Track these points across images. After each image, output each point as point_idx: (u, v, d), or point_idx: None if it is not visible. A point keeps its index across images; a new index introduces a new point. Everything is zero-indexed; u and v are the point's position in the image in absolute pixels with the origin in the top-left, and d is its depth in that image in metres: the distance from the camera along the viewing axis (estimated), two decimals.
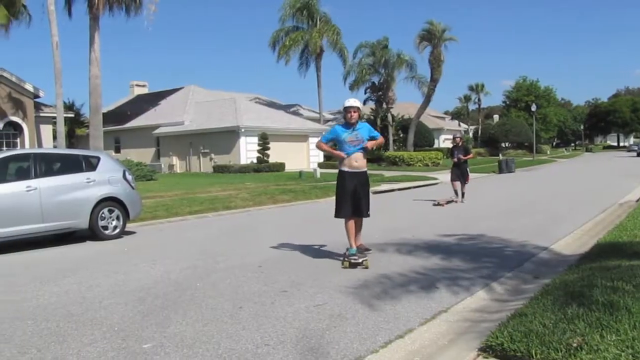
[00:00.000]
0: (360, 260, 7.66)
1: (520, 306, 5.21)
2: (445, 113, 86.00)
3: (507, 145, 71.62)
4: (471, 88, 79.09)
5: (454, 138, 18.08)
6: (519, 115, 79.09)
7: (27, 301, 6.37)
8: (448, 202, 16.60)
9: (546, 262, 8.07)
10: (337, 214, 7.97)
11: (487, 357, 4.18)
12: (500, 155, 54.76)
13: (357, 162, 7.78)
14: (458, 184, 17.16)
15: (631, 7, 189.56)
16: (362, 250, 7.98)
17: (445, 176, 30.04)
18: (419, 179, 27.11)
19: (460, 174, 17.22)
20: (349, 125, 7.80)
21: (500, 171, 34.34)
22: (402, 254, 8.62)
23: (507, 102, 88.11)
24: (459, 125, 75.37)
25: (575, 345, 3.93)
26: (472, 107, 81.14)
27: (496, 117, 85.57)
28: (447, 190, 23.12)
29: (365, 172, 7.99)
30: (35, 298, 6.50)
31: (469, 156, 17.68)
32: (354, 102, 7.78)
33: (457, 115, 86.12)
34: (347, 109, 7.77)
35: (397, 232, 10.81)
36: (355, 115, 7.74)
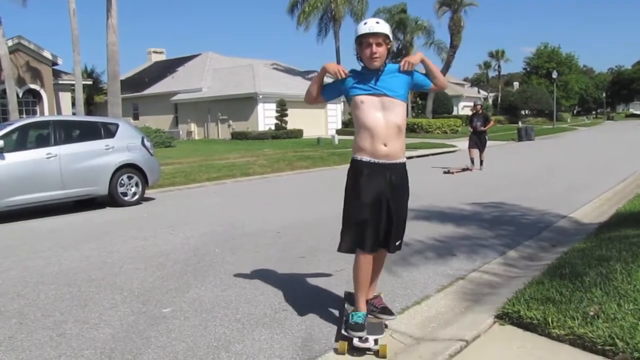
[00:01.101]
0: (369, 343, 3.88)
1: (537, 274, 5.20)
2: (465, 80, 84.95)
3: (527, 112, 70.81)
4: (491, 55, 78.04)
5: (475, 105, 17.87)
6: (539, 83, 78.01)
7: (49, 266, 6.49)
8: (463, 170, 16.57)
9: (564, 230, 8.02)
10: (341, 245, 4.26)
11: (503, 324, 4.19)
12: (519, 122, 54.15)
13: (386, 145, 4.08)
14: (476, 151, 17.05)
15: None
16: (377, 309, 4.34)
17: (464, 144, 29.88)
18: (438, 146, 26.95)
19: (479, 141, 17.08)
20: (368, 71, 4.05)
21: (520, 139, 34.02)
22: (419, 221, 8.61)
23: (528, 69, 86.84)
24: (479, 92, 74.55)
25: (592, 313, 3.92)
26: (492, 74, 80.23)
27: (516, 84, 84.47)
28: (465, 157, 23.00)
29: (403, 165, 4.30)
30: (57, 263, 6.62)
31: (489, 125, 17.38)
32: (375, 25, 3.93)
33: (476, 82, 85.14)
34: (363, 39, 3.94)
35: (414, 199, 10.73)
36: (380, 50, 3.93)
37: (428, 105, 45.43)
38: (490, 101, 75.30)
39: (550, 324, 3.88)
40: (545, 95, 68.45)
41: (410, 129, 38.94)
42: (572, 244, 6.58)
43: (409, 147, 25.72)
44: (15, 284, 5.76)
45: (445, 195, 11.36)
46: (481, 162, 17.14)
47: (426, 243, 7.03)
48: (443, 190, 12.48)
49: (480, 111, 17.56)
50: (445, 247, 6.83)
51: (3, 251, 7.43)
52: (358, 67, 4.09)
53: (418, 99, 47.78)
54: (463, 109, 64.97)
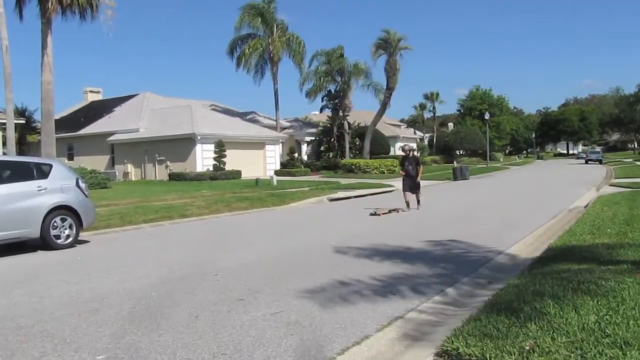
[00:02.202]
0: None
1: (475, 311, 5.29)
2: (401, 121, 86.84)
3: (461, 152, 72.84)
4: (426, 96, 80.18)
5: (404, 149, 17.89)
6: (473, 124, 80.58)
7: None
8: (390, 212, 16.09)
9: (500, 267, 8.23)
10: None
11: None
12: (454, 162, 55.56)
13: None
14: (410, 195, 17.00)
15: (580, 14, 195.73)
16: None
17: (401, 184, 30.39)
18: (375, 186, 27.31)
19: (412, 184, 17.09)
20: None
21: (455, 178, 34.87)
22: (358, 260, 8.67)
23: (462, 110, 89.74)
24: (415, 133, 76.27)
25: (527, 348, 4.02)
26: (427, 115, 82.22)
27: (451, 125, 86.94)
28: (400, 198, 23.38)
29: None
30: None
31: (420, 172, 17.40)
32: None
33: (412, 123, 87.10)
34: None
35: (353, 239, 10.87)
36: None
37: (365, 146, 46.11)
38: (426, 141, 77.12)
39: None
40: (479, 135, 70.66)
41: (348, 170, 39.45)
42: (507, 280, 6.75)
43: (346, 187, 26.00)
44: None
45: (384, 234, 11.48)
46: (418, 201, 17.07)
47: (365, 282, 7.06)
48: (381, 229, 12.61)
49: (411, 154, 17.56)
50: (385, 286, 6.88)
51: None
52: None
53: (357, 139, 48.43)
54: (400, 149, 66.27)
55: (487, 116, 60.88)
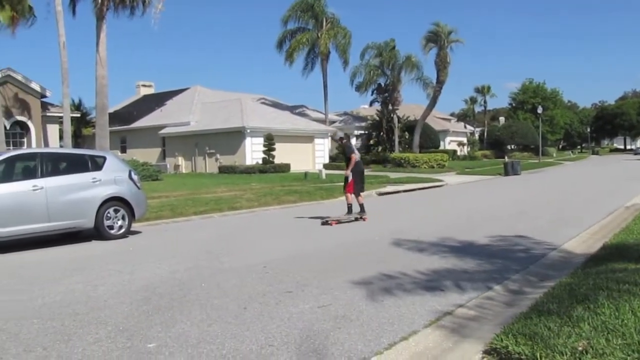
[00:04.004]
0: None
1: (525, 309, 5.19)
2: (451, 115, 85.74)
3: (512, 147, 71.47)
4: (477, 90, 79.07)
5: (333, 138, 14.18)
6: (525, 118, 78.95)
7: (33, 300, 6.40)
8: (343, 221, 12.77)
9: (552, 264, 8.04)
10: None
11: None
12: (505, 157, 54.58)
13: None
14: (350, 195, 13.13)
15: (637, 10, 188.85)
16: None
17: (451, 178, 30.02)
18: (425, 180, 27.03)
19: (358, 181, 13.15)
20: None
21: (506, 173, 34.25)
22: (406, 254, 8.62)
23: (513, 104, 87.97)
24: (465, 127, 75.20)
25: (580, 348, 3.91)
26: (478, 109, 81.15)
27: (502, 119, 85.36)
28: (450, 191, 23.12)
29: None
30: (41, 297, 6.53)
31: (350, 164, 13.04)
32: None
33: (463, 117, 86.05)
34: None
35: (401, 233, 10.81)
36: None
37: (415, 139, 45.76)
38: (476, 136, 75.99)
39: (539, 359, 3.87)
40: (531, 130, 69.22)
41: (397, 164, 39.16)
42: (559, 279, 6.59)
43: (395, 181, 25.83)
44: None
45: (432, 229, 11.37)
46: (360, 206, 13.20)
47: (414, 277, 7.01)
48: (431, 223, 12.51)
49: (345, 142, 13.65)
50: (433, 281, 6.82)
51: None
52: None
53: (406, 133, 48.03)
54: (450, 143, 65.51)
55: (539, 110, 59.56)
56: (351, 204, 13.05)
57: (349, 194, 13.03)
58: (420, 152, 43.99)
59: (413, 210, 16.33)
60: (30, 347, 4.79)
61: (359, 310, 5.60)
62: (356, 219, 12.91)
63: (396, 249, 9.11)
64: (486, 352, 4.27)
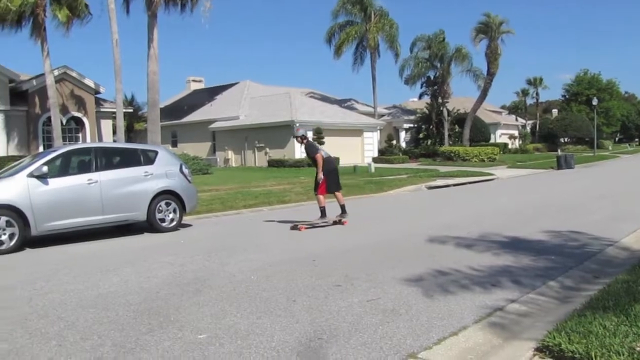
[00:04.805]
0: None
1: (579, 306, 5.07)
2: (502, 107, 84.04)
3: (566, 140, 69.70)
4: (529, 82, 77.23)
5: (295, 137, 12.65)
6: (579, 110, 76.89)
7: (88, 290, 6.58)
8: (316, 225, 11.63)
9: (608, 260, 7.81)
10: None
11: (543, 357, 4.08)
12: (558, 150, 53.25)
13: None
14: (322, 197, 11.78)
15: None
16: None
17: (502, 172, 29.52)
18: (475, 174, 26.64)
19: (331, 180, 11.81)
20: None
21: (559, 167, 33.44)
22: (456, 249, 8.52)
23: (567, 96, 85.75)
24: (516, 119, 73.68)
25: (639, 349, 3.79)
26: (529, 101, 79.18)
27: (555, 111, 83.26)
28: (501, 185, 22.72)
29: None
30: (96, 287, 6.71)
31: (319, 166, 11.66)
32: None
33: (514, 109, 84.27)
34: None
35: (451, 227, 10.68)
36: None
37: (465, 133, 45.12)
38: (528, 129, 74.37)
39: (594, 359, 3.77)
40: (585, 122, 67.38)
41: (447, 157, 38.73)
42: (615, 275, 6.40)
43: (445, 175, 25.53)
44: (56, 307, 5.85)
45: (482, 224, 11.20)
46: (342, 207, 11.98)
47: (463, 272, 6.92)
48: (480, 218, 12.31)
49: (304, 142, 12.16)
50: (483, 276, 6.71)
51: (45, 274, 7.57)
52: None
53: (456, 126, 47.39)
54: (500, 136, 64.37)
55: (594, 102, 57.83)
56: (324, 207, 11.74)
57: (320, 197, 11.71)
58: (470, 146, 43.36)
59: (463, 204, 16.11)
60: (87, 335, 4.93)
61: (408, 305, 5.57)
62: (334, 223, 11.75)
63: (446, 244, 9.01)
64: (538, 350, 4.18)
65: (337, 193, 11.93)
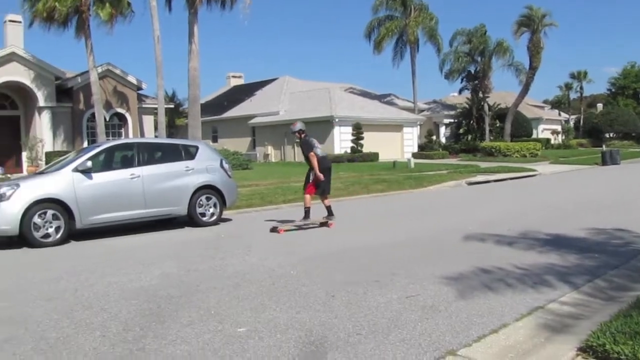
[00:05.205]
0: None
1: (625, 306, 4.95)
2: (545, 102, 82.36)
3: (611, 135, 67.96)
4: (573, 76, 75.56)
5: (292, 132, 11.74)
6: (626, 104, 74.90)
7: (131, 282, 6.71)
8: (300, 227, 10.97)
9: None
10: None
11: (586, 358, 4.00)
12: (603, 146, 51.97)
13: None
14: (309, 198, 11.23)
15: None
16: None
17: (544, 168, 28.99)
18: (516, 170, 26.21)
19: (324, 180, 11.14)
20: None
21: (604, 163, 32.65)
22: (497, 246, 8.41)
23: (613, 90, 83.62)
24: (559, 114, 72.17)
25: None
26: (573, 95, 77.49)
27: (600, 105, 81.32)
28: (543, 181, 22.30)
29: None
30: (138, 280, 6.84)
31: (312, 164, 11.02)
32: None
33: (557, 104, 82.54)
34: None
35: (492, 224, 10.55)
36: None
37: (506, 128, 44.38)
38: (571, 123, 72.81)
39: None
40: (632, 117, 65.62)
41: (488, 153, 38.21)
42: None
43: (486, 170, 25.21)
44: (100, 299, 5.99)
45: (524, 220, 11.02)
46: (327, 209, 11.32)
47: (505, 269, 6.83)
48: (520, 215, 12.12)
49: (303, 137, 11.38)
50: (525, 274, 6.61)
51: (89, 267, 7.75)
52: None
53: (497, 121, 46.66)
54: (543, 131, 63.16)
55: None
56: (309, 208, 11.08)
57: (307, 196, 11.10)
58: (511, 141, 42.64)
59: (504, 200, 15.88)
60: (129, 326, 5.03)
61: (448, 302, 5.52)
62: (321, 225, 11.13)
63: (486, 241, 8.90)
64: (581, 350, 4.10)
65: (325, 197, 11.23)
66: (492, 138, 44.66)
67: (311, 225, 11.06)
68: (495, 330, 4.72)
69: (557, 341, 4.41)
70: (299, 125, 11.46)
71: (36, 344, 4.66)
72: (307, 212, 11.07)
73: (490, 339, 4.54)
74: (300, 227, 10.91)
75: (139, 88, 30.18)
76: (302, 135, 11.33)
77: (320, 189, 11.12)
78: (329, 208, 11.21)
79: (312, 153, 11.02)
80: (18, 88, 26.81)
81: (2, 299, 6.18)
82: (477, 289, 5.96)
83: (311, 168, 11.06)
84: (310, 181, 11.06)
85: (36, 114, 27.05)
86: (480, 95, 45.49)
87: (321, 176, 10.91)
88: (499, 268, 6.90)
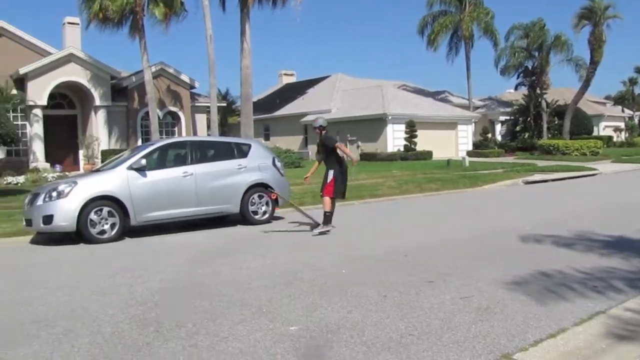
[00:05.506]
0: None
1: None
2: (607, 98, 79.73)
3: None
4: (638, 70, 72.91)
5: (314, 128, 10.93)
6: None
7: (183, 279, 6.81)
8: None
9: None
10: None
11: None
12: None
13: None
14: (328, 201, 10.32)
15: None
16: None
17: (605, 167, 28.06)
18: (576, 169, 25.43)
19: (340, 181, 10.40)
20: None
21: None
22: (555, 248, 8.15)
23: None
24: (623, 111, 69.79)
25: None
26: (638, 91, 74.72)
27: None
28: (604, 180, 21.59)
29: None
30: (190, 277, 6.93)
31: (345, 150, 10.70)
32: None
33: (620, 100, 79.81)
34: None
35: (550, 224, 10.25)
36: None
37: (565, 125, 43.12)
38: (636, 120, 70.29)
39: None
40: None
41: (546, 151, 37.26)
42: None
43: (543, 169, 24.58)
44: (154, 294, 6.09)
45: (584, 221, 10.67)
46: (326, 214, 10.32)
47: (563, 272, 6.60)
48: (580, 215, 11.74)
49: (323, 134, 10.65)
50: (584, 277, 6.37)
51: (142, 263, 7.90)
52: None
53: (555, 118, 45.42)
54: (604, 129, 61.24)
55: None
56: (331, 212, 10.25)
57: (327, 198, 10.22)
58: (570, 139, 41.42)
59: (562, 200, 15.44)
60: (182, 322, 5.08)
61: (503, 304, 5.37)
62: (310, 226, 10.68)
63: (543, 242, 8.65)
64: None
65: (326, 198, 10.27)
66: (550, 136, 43.48)
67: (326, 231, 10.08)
68: (553, 334, 4.56)
69: (620, 349, 4.23)
70: (320, 121, 10.75)
71: (92, 338, 4.76)
72: (328, 217, 10.16)
73: (547, 343, 4.39)
74: (321, 233, 9.99)
75: (192, 87, 30.69)
76: (323, 132, 10.60)
77: (337, 190, 10.31)
78: (326, 214, 10.20)
79: (339, 143, 10.56)
80: (76, 88, 27.74)
81: (62, 293, 6.35)
82: (533, 291, 5.78)
83: (328, 169, 10.39)
84: (328, 181, 10.28)
85: (92, 113, 27.91)
86: (538, 91, 44.32)
87: (355, 156, 10.11)
88: (557, 270, 6.67)
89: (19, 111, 26.38)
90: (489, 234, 9.72)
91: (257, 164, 11.82)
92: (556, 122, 45.36)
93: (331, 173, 10.30)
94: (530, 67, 45.04)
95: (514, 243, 8.64)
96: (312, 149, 40.21)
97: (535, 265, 6.91)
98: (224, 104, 39.10)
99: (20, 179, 21.61)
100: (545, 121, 43.52)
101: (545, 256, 7.55)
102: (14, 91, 24.91)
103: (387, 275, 6.68)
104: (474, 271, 6.75)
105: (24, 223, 10.52)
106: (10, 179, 21.52)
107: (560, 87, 54.24)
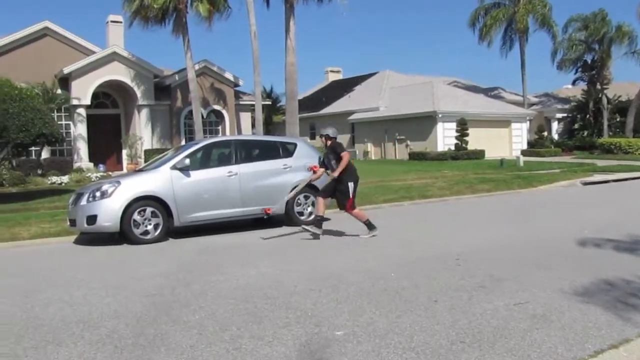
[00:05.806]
0: None
1: None
2: None
3: None
4: None
5: (320, 136, 10.64)
6: None
7: (228, 281, 6.73)
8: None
9: None
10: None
11: None
12: None
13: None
14: (324, 201, 10.03)
15: None
16: None
17: None
18: (639, 169, 24.43)
19: (336, 189, 9.89)
20: None
21: None
22: (616, 253, 7.78)
23: None
24: None
25: None
26: None
27: None
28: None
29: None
30: (235, 279, 6.85)
31: (340, 166, 9.65)
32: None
33: None
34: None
35: (610, 228, 9.81)
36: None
37: (628, 122, 41.38)
38: None
39: None
40: None
41: (606, 150, 36.07)
42: None
43: (604, 169, 23.77)
44: (197, 297, 6.03)
45: None
46: (319, 218, 10.03)
47: (625, 279, 6.25)
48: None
49: (328, 143, 10.19)
50: None
51: (187, 265, 7.88)
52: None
53: (617, 115, 43.77)
54: None
55: None
56: (367, 219, 9.86)
57: (357, 211, 9.99)
58: (634, 137, 39.87)
59: (624, 202, 14.82)
60: (226, 325, 5.01)
61: (560, 311, 5.11)
62: (303, 228, 10.74)
63: (603, 246, 8.27)
64: None
65: (321, 199, 10.02)
66: (611, 134, 41.97)
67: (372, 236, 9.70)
68: (614, 345, 4.31)
69: None
70: (331, 132, 10.33)
71: (136, 339, 4.73)
72: (368, 223, 9.77)
73: (609, 354, 4.17)
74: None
75: (236, 85, 30.76)
76: (329, 143, 10.12)
77: (344, 201, 9.83)
78: (321, 218, 9.95)
79: (347, 152, 9.97)
80: (119, 87, 27.97)
81: (105, 293, 6.37)
82: (593, 298, 5.49)
83: (345, 180, 9.73)
84: (351, 196, 9.78)
85: (135, 112, 28.08)
86: (598, 86, 42.78)
87: (336, 175, 9.64)
88: (619, 278, 6.33)
89: (63, 111, 26.63)
90: (544, 237, 9.38)
91: (302, 164, 11.64)
92: (618, 120, 43.71)
93: (351, 186, 9.76)
94: (589, 61, 43.48)
95: (571, 247, 8.28)
96: (360, 148, 40.10)
97: (595, 272, 6.59)
98: (269, 102, 39.15)
99: (65, 178, 22.00)
100: (605, 118, 41.99)
101: (606, 262, 7.20)
102: (59, 91, 25.42)
103: (438, 279, 6.47)
104: (529, 276, 6.48)
105: (68, 223, 10.64)
106: (54, 178, 21.94)
107: (623, 81, 52.08)
